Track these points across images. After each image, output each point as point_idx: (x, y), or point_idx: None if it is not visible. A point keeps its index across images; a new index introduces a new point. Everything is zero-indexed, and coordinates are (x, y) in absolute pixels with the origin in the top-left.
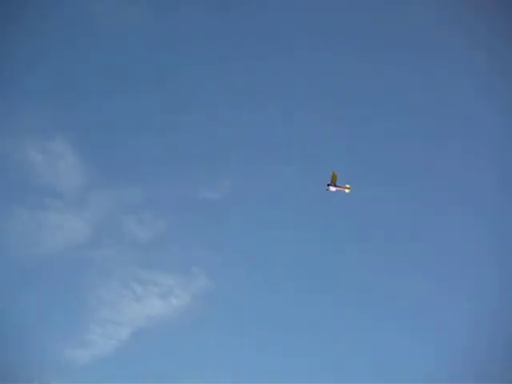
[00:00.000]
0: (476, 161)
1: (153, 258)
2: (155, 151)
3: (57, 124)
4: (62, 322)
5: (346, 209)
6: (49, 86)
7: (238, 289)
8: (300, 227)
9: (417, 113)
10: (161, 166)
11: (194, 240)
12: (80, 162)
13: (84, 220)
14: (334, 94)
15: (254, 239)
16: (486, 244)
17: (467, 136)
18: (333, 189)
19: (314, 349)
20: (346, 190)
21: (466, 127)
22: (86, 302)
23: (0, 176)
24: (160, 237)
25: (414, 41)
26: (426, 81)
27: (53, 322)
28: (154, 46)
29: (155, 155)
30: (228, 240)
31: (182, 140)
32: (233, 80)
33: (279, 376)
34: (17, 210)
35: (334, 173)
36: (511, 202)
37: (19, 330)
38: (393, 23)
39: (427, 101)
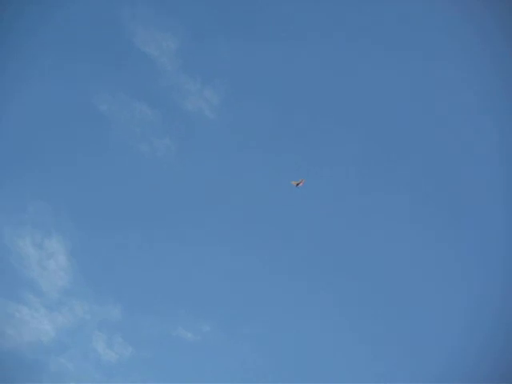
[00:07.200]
0: None
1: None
2: (145, 279)
3: (57, 225)
4: None
5: None
6: (59, 189)
7: None
8: None
9: None
10: (145, 295)
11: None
12: (69, 266)
13: (53, 324)
14: None
15: None
16: None
17: None
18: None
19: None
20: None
21: None
22: None
23: None
24: (125, 363)
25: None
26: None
27: None
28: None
29: (144, 283)
30: None
31: (173, 276)
32: None
33: None
34: None
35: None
36: None
37: None
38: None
39: None
